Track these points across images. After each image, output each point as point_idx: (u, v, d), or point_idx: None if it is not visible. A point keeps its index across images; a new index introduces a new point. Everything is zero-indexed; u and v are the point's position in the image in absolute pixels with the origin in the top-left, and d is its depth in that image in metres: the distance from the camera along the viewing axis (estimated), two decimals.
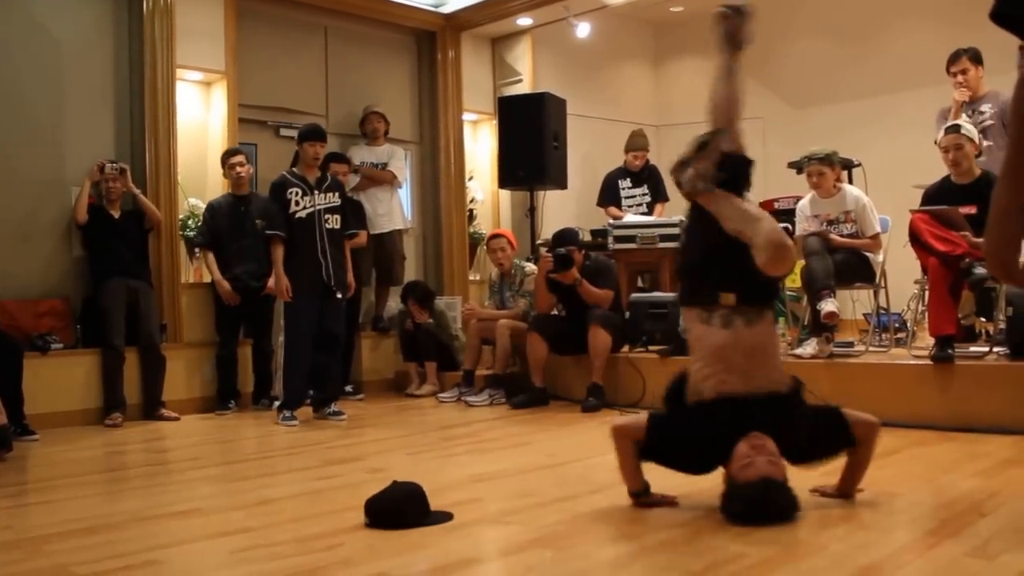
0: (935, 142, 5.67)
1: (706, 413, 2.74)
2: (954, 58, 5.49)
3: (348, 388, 6.52)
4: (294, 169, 5.52)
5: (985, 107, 5.33)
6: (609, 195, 7.40)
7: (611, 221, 6.84)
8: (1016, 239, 1.46)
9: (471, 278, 7.88)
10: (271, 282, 5.49)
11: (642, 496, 2.87)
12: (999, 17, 1.43)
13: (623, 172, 7.43)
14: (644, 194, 7.31)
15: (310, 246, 5.38)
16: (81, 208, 5.65)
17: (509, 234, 6.61)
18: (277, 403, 5.69)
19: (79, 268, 5.79)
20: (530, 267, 6.45)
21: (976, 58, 5.41)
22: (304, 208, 5.39)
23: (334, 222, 5.49)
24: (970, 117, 5.22)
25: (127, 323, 5.61)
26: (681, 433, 2.79)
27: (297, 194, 5.39)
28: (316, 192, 5.44)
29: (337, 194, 5.55)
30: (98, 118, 6.01)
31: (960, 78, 5.42)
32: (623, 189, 7.36)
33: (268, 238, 5.44)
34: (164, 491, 3.55)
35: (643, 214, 7.08)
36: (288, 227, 5.36)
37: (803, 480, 2.82)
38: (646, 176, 7.34)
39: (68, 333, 5.62)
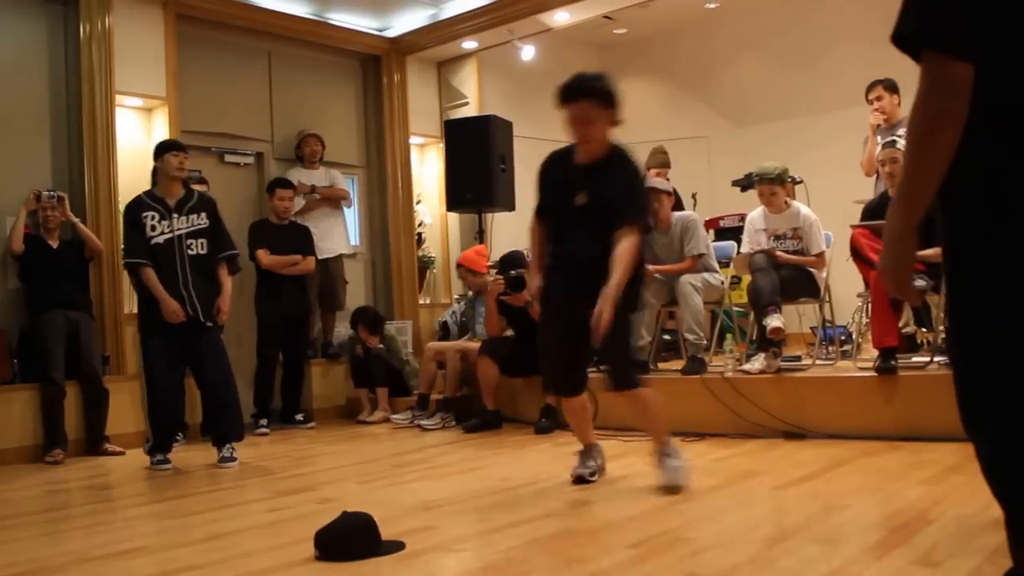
0: (860, 163, 5.90)
1: None
2: (871, 87, 5.80)
3: (299, 416, 6.44)
4: (153, 190, 4.92)
5: (901, 132, 5.50)
6: None
7: None
8: (909, 260, 1.53)
9: (421, 302, 7.84)
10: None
11: None
12: (899, 39, 1.47)
13: None
14: None
15: (170, 277, 4.75)
16: (17, 238, 5.51)
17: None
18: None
19: (15, 300, 5.64)
20: None
21: (891, 87, 5.71)
22: (161, 233, 4.77)
23: (199, 247, 4.84)
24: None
25: (67, 356, 5.45)
26: None
27: (153, 218, 4.77)
28: (175, 215, 4.81)
29: (204, 215, 4.88)
30: (34, 145, 5.88)
31: (876, 104, 5.73)
32: None
33: (129, 268, 4.93)
34: (108, 530, 3.44)
35: None
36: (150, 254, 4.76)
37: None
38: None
39: (4, 368, 5.46)
